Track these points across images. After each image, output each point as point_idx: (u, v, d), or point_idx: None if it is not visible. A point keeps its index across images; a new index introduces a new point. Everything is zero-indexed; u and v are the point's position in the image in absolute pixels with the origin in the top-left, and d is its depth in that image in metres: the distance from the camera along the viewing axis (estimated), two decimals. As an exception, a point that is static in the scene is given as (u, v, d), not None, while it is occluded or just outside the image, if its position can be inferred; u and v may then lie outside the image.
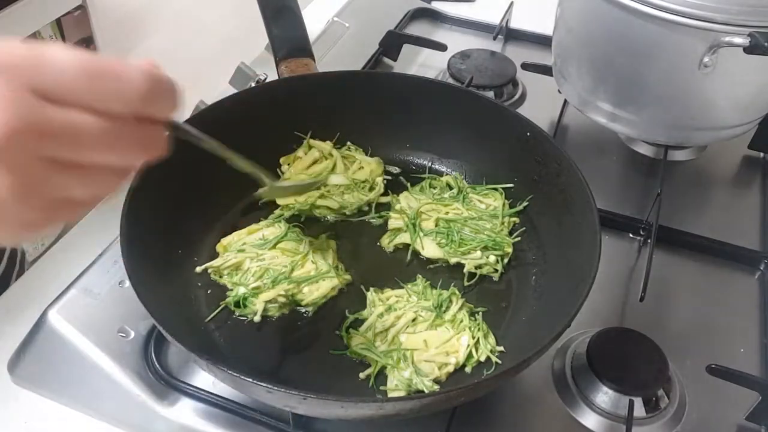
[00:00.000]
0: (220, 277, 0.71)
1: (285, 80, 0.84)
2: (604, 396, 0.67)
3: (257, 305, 0.67)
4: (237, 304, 0.68)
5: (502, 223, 0.76)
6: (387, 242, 0.77)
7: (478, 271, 0.73)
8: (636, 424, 0.64)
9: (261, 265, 0.70)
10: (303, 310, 0.69)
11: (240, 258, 0.71)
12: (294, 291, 0.69)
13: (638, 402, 0.66)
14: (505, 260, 0.74)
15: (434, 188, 0.81)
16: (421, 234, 0.75)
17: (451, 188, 0.80)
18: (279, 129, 0.82)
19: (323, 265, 0.71)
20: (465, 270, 0.73)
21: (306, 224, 0.78)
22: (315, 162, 0.82)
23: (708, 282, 0.81)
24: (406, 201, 0.79)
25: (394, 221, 0.78)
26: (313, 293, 0.69)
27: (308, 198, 0.78)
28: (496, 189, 0.79)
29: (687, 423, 0.66)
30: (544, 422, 0.68)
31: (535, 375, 0.69)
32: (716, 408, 0.68)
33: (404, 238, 0.76)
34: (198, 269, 0.71)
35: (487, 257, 0.73)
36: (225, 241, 0.73)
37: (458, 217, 0.76)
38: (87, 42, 2.70)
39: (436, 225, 0.76)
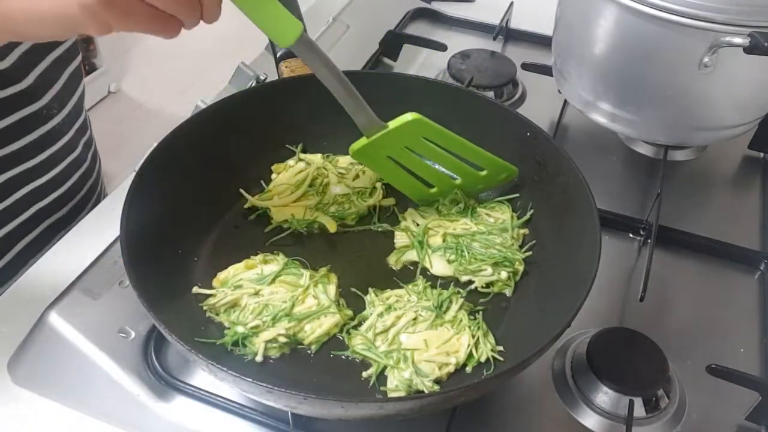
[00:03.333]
0: (217, 314, 0.68)
1: (285, 80, 0.84)
2: (604, 396, 0.67)
3: (257, 345, 0.65)
4: (235, 343, 0.65)
5: (513, 237, 0.74)
6: (394, 260, 0.75)
7: (491, 289, 0.71)
8: (636, 424, 0.64)
9: (259, 301, 0.67)
10: (306, 349, 0.67)
11: (236, 295, 0.68)
12: (295, 330, 0.66)
13: (638, 402, 0.66)
14: (517, 276, 0.72)
15: (443, 205, 0.79)
16: (429, 251, 0.74)
17: (457, 203, 0.79)
18: (278, 129, 0.82)
19: (325, 299, 0.68)
20: (475, 286, 0.71)
21: (307, 238, 0.77)
22: (301, 171, 0.81)
23: (708, 282, 0.81)
24: (411, 218, 0.78)
25: (401, 239, 0.76)
26: (315, 331, 0.66)
27: (307, 212, 0.77)
28: (502, 202, 0.78)
29: (687, 423, 0.67)
30: (544, 422, 0.68)
31: (535, 375, 0.69)
32: (716, 408, 0.68)
33: (412, 255, 0.74)
34: (194, 290, 0.69)
35: (499, 273, 0.71)
36: (221, 275, 0.70)
37: (466, 232, 0.75)
38: (87, 42, 2.70)
39: (444, 240, 0.74)
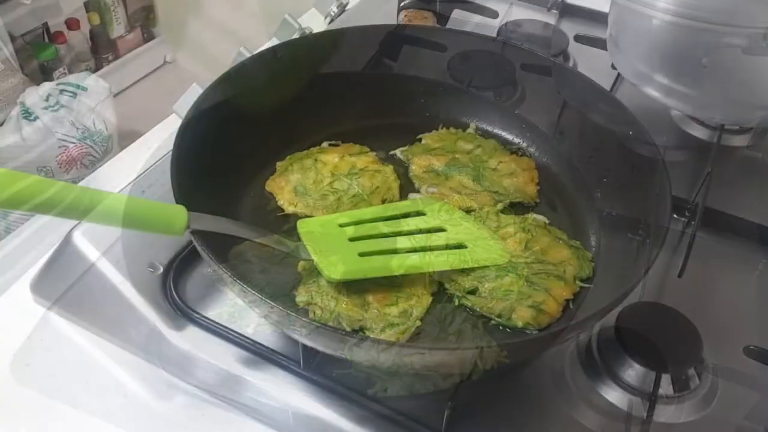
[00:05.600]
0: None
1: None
2: (631, 371, 0.63)
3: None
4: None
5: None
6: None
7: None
8: (662, 402, 0.62)
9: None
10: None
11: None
12: None
13: (666, 379, 0.62)
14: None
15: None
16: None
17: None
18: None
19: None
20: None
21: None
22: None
23: (752, 268, 0.78)
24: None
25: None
26: None
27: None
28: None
29: (717, 407, 0.63)
30: (565, 394, 0.65)
31: (559, 346, 0.67)
32: (750, 396, 0.65)
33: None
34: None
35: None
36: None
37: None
38: (147, 10, 2.75)
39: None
